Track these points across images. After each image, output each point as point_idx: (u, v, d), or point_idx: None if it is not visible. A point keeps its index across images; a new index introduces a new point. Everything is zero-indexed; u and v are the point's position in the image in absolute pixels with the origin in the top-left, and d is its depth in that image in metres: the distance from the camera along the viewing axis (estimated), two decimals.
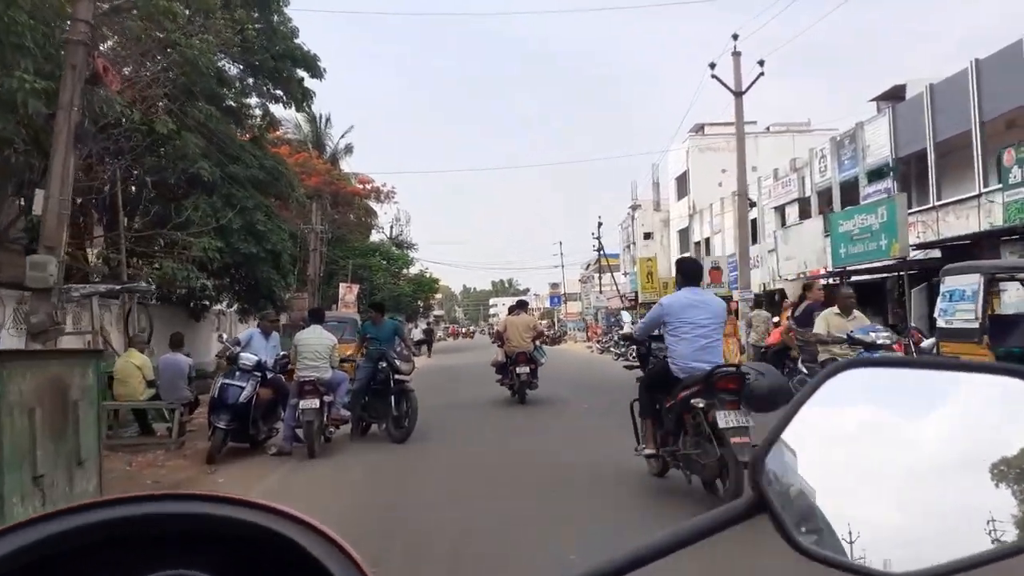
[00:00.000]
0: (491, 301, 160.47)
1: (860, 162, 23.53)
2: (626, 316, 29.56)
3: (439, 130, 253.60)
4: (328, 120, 48.12)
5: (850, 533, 0.76)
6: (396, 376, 9.15)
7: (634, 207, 52.07)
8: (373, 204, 47.10)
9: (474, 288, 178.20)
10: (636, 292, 46.57)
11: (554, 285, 78.43)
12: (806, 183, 27.75)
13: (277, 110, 23.56)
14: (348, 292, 35.32)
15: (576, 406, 13.33)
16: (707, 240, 39.98)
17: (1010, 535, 0.73)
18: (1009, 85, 17.15)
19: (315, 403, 8.36)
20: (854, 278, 17.16)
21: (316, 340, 8.95)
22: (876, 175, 23.01)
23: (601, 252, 54.15)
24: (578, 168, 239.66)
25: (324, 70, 21.16)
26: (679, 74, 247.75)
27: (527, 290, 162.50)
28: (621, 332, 28.37)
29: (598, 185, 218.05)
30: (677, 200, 45.90)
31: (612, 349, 28.36)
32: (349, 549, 0.71)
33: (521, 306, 15.33)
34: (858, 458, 0.80)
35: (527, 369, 12.79)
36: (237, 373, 8.67)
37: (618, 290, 53.57)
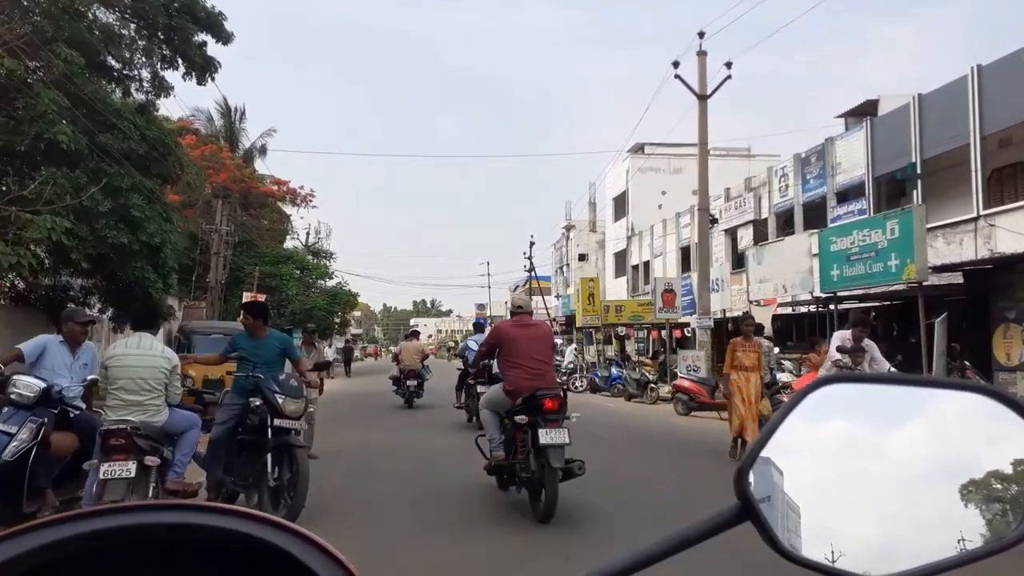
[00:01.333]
0: (412, 321, 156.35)
1: (829, 180, 21.52)
2: (571, 350, 26.65)
3: (366, 145, 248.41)
4: (243, 115, 43.94)
5: (832, 538, 0.80)
6: (277, 422, 5.89)
7: (568, 227, 49.72)
8: (289, 209, 43.15)
9: (395, 307, 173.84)
10: (570, 315, 44.01)
11: (480, 306, 75.37)
12: (763, 203, 25.70)
13: (189, 98, 19.75)
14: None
15: None
16: (646, 263, 37.81)
17: (977, 540, 0.78)
18: (1011, 97, 15.26)
19: (128, 468, 4.94)
20: (845, 305, 14.79)
21: (140, 360, 5.49)
22: (845, 195, 21.03)
23: (532, 273, 51.52)
24: (509, 187, 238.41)
25: (231, 34, 17.67)
26: (616, 102, 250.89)
27: (449, 311, 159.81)
28: (564, 364, 25.60)
29: (530, 205, 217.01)
30: (614, 221, 43.73)
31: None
32: (347, 562, 0.71)
33: (414, 335, 20.73)
34: (838, 468, 0.84)
35: (415, 382, 17.02)
36: (4, 409, 5.24)
37: (548, 313, 51.00)
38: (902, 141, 18.23)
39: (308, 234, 42.92)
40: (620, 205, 42.37)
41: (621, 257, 41.47)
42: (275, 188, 40.42)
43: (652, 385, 19.66)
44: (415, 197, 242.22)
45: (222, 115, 43.16)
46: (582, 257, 45.96)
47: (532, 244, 52.09)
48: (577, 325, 32.89)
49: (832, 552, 0.79)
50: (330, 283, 39.34)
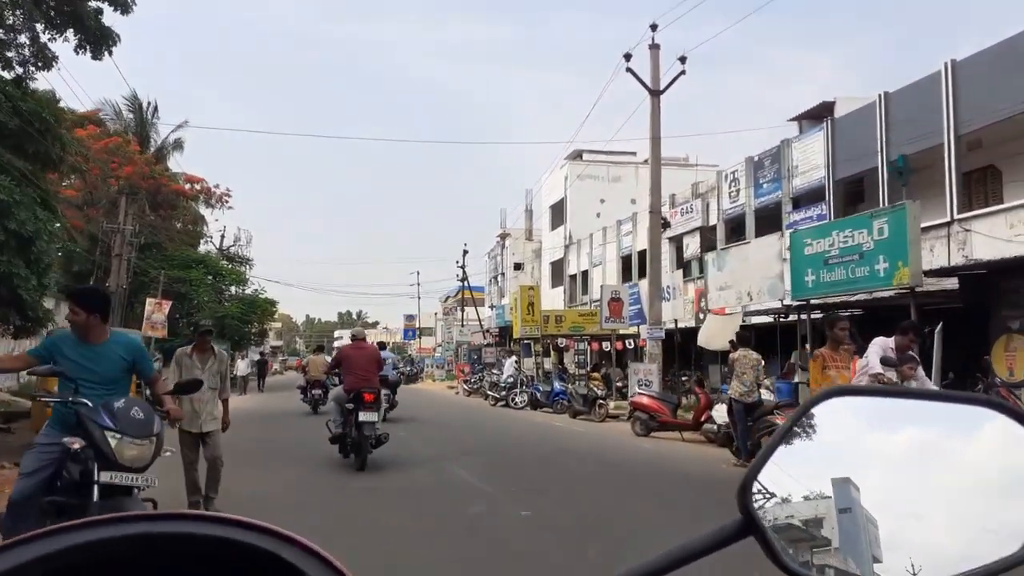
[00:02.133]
0: (336, 333, 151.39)
1: (784, 184, 20.39)
2: (510, 363, 24.68)
3: (289, 153, 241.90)
4: (155, 110, 40.61)
5: (839, 552, 0.80)
6: (105, 476, 3.76)
7: (503, 236, 48.02)
8: (204, 210, 40.04)
9: (319, 319, 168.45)
10: (505, 326, 42.23)
11: (409, 317, 72.83)
12: (711, 209, 24.51)
13: (94, 92, 17.16)
14: (156, 309, 28.36)
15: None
16: (584, 273, 36.39)
17: (986, 556, 0.77)
18: (986, 96, 14.26)
19: None
20: (816, 314, 13.39)
21: None
22: (800, 200, 19.92)
23: (465, 283, 49.59)
24: (438, 196, 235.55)
25: (132, 2, 15.24)
26: (546, 119, 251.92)
27: (376, 323, 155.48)
28: (504, 377, 23.66)
29: (461, 214, 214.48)
30: (551, 230, 42.25)
31: (491, 393, 23.45)
32: (340, 566, 0.72)
33: (319, 349, 24.31)
34: (844, 479, 0.83)
35: (320, 391, 18.51)
36: None
37: (481, 324, 49.11)
38: (866, 142, 17.16)
39: (223, 237, 39.89)
40: (558, 213, 40.92)
41: (558, 266, 39.99)
42: (188, 186, 37.31)
43: (601, 401, 17.95)
44: (342, 204, 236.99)
45: (131, 110, 39.76)
46: (518, 266, 44.30)
47: (465, 253, 50.27)
48: (514, 336, 31.08)
49: (836, 566, 0.80)
50: (246, 291, 36.43)
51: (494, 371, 28.53)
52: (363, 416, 9.09)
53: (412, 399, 28.22)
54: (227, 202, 38.72)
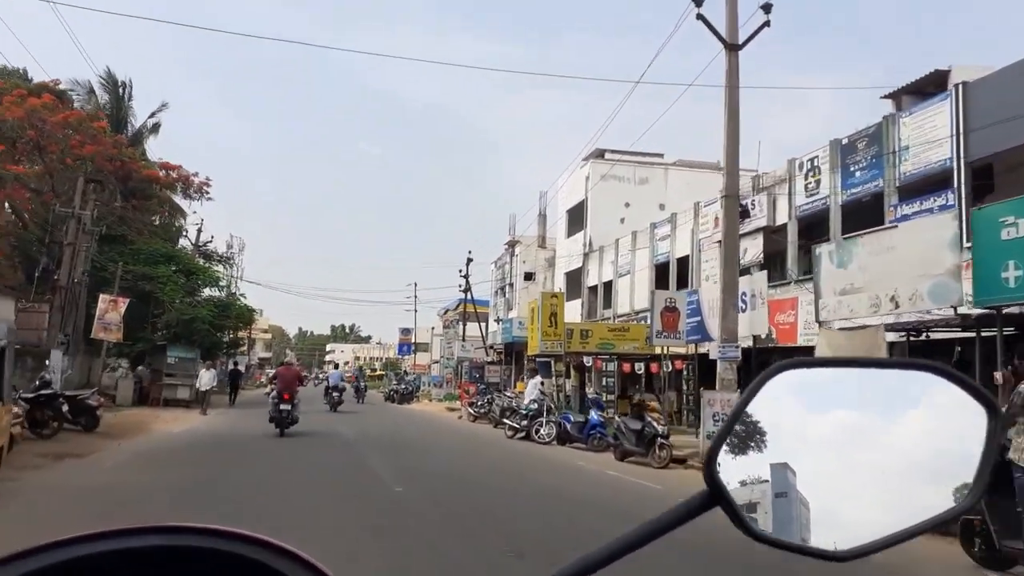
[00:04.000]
0: (328, 347, 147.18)
1: (888, 170, 16.24)
2: (534, 384, 19.94)
3: (283, 163, 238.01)
4: (131, 92, 36.39)
5: (798, 517, 0.85)
6: None
7: (512, 243, 43.82)
8: (180, 201, 35.80)
9: (311, 332, 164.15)
10: (513, 342, 37.97)
11: (405, 331, 68.44)
12: (778, 207, 20.35)
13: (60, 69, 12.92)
14: (111, 308, 24.04)
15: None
16: (607, 284, 32.17)
17: (929, 511, 0.84)
18: None
19: None
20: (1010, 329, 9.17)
21: None
22: (915, 188, 15.78)
23: (468, 294, 45.33)
24: (437, 206, 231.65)
25: None
26: (549, 143, 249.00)
27: (368, 337, 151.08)
28: (525, 402, 19.12)
29: (461, 224, 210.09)
30: (568, 236, 38.08)
31: (508, 422, 18.96)
32: (323, 568, 0.73)
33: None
34: (798, 449, 0.88)
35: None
36: None
37: (484, 340, 44.78)
38: (1017, 109, 13.01)
39: (200, 231, 35.60)
40: (576, 217, 36.77)
41: (575, 277, 35.77)
42: (163, 174, 33.04)
43: (662, 440, 13.60)
44: (337, 213, 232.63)
45: (106, 90, 35.55)
46: (529, 276, 40.05)
47: (469, 261, 46.07)
48: (529, 352, 26.72)
49: (801, 531, 0.84)
50: (221, 294, 32.08)
51: (506, 393, 24.20)
52: (282, 406, 16.35)
53: (405, 423, 23.87)
54: (206, 192, 34.52)
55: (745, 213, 18.46)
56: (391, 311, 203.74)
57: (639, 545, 0.80)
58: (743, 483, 0.85)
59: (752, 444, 0.87)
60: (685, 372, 23.53)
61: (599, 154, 36.41)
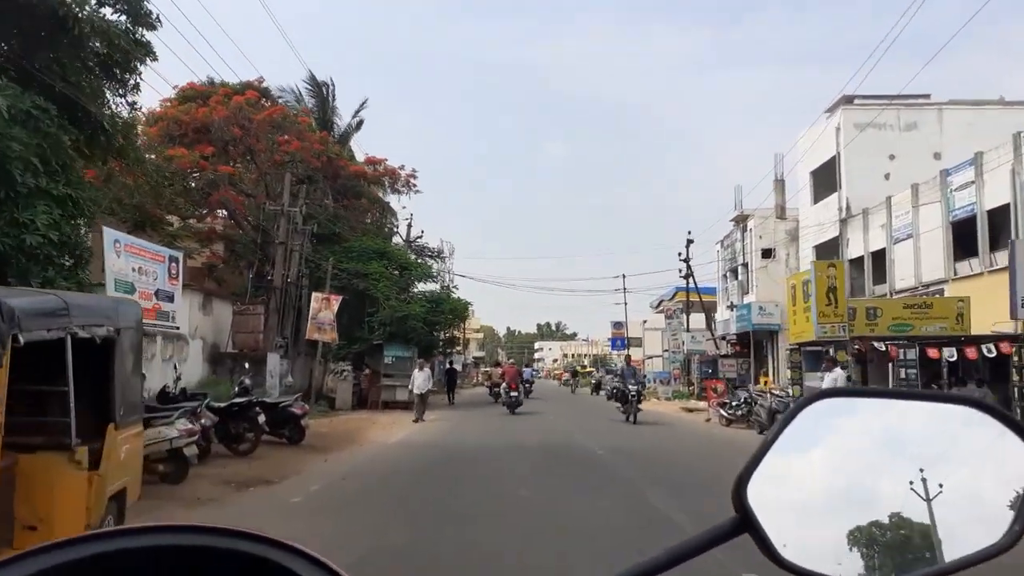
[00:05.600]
0: (536, 345, 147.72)
1: None
2: (832, 380, 14.67)
3: (470, 167, 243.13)
4: (333, 92, 35.66)
5: (829, 550, 0.82)
6: None
7: (742, 218, 38.49)
8: (388, 196, 34.61)
9: (519, 331, 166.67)
10: (753, 330, 32.97)
11: (617, 325, 64.65)
12: None
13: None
14: (324, 307, 22.45)
15: None
16: (878, 253, 26.25)
17: (971, 547, 0.80)
18: None
19: None
20: None
21: None
22: None
23: (690, 281, 40.70)
24: (637, 194, 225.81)
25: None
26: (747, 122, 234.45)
27: (575, 334, 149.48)
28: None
29: (668, 213, 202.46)
30: (814, 203, 32.29)
31: None
32: (338, 569, 0.72)
33: (497, 364, 39.39)
34: (833, 479, 0.86)
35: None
36: None
37: (713, 331, 39.88)
38: None
39: (410, 226, 34.13)
40: (825, 179, 30.93)
41: (829, 249, 29.98)
42: (368, 169, 31.84)
43: None
44: (533, 211, 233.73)
45: (312, 94, 35.10)
46: (767, 253, 34.64)
47: (689, 243, 41.43)
48: (793, 340, 21.80)
49: (829, 563, 0.81)
50: (430, 286, 30.13)
51: (775, 391, 19.54)
52: (512, 393, 24.08)
53: (647, 430, 19.76)
54: (414, 185, 32.99)
55: None
56: (597, 308, 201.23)
57: (665, 568, 0.78)
58: (774, 510, 0.82)
59: (785, 471, 0.84)
60: (1016, 357, 17.64)
61: (847, 100, 30.30)
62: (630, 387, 22.01)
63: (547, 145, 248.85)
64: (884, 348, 18.81)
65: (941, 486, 0.82)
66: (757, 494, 0.82)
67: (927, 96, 31.73)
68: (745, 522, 0.80)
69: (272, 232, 25.11)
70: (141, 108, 13.25)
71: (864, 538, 0.82)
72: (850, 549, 0.81)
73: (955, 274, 21.57)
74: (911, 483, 0.83)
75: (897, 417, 0.90)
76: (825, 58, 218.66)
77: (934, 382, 19.11)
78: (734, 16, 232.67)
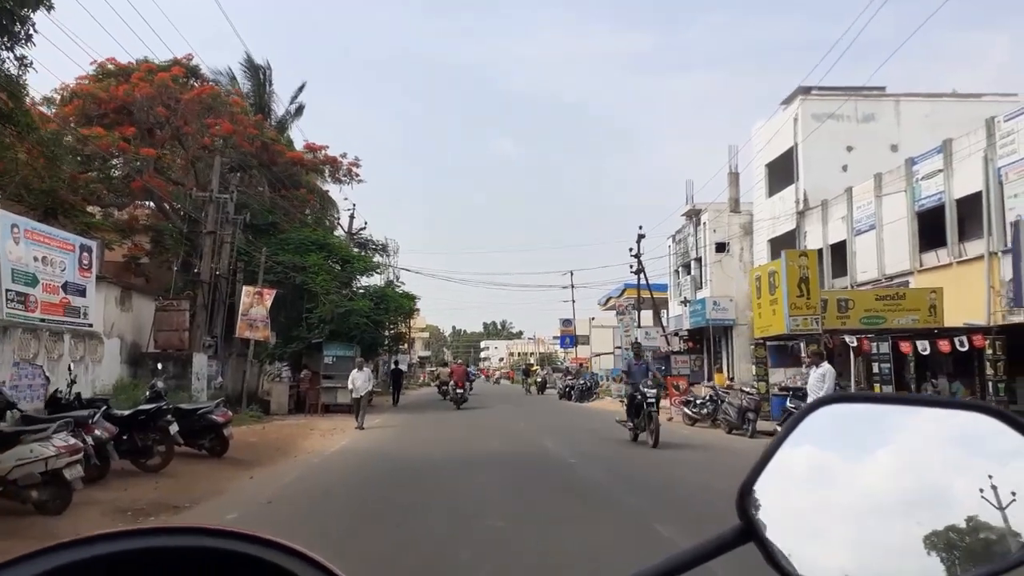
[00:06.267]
0: (482, 344, 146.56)
1: None
2: (820, 377, 13.03)
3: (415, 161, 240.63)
4: (270, 76, 33.49)
5: (834, 558, 0.79)
6: None
7: (694, 213, 37.71)
8: (330, 186, 32.69)
9: (464, 330, 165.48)
10: (706, 326, 32.17)
11: (566, 322, 63.60)
12: None
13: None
14: (256, 302, 20.56)
15: None
16: (837, 246, 25.58)
17: (982, 559, 0.77)
18: None
19: None
20: None
21: None
22: None
23: (641, 277, 39.76)
24: (584, 197, 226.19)
25: None
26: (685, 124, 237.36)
27: (520, 332, 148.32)
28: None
29: (611, 213, 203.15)
30: (768, 196, 31.62)
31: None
32: (336, 570, 0.73)
33: (444, 363, 44.37)
34: (838, 487, 0.83)
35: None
36: None
37: (663, 327, 39.08)
38: None
39: (352, 217, 32.25)
40: (781, 171, 30.25)
41: (784, 242, 29.25)
42: (306, 155, 29.86)
43: None
44: (478, 212, 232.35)
45: (248, 78, 32.83)
46: (721, 247, 33.86)
47: (641, 238, 40.45)
48: (758, 334, 20.83)
49: (835, 573, 0.79)
50: (375, 281, 28.33)
51: (745, 388, 18.42)
52: (458, 390, 26.14)
53: (605, 429, 18.15)
54: (357, 175, 31.11)
55: None
56: (543, 306, 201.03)
57: (673, 575, 0.77)
58: (778, 519, 0.80)
59: (790, 479, 0.83)
60: (991, 350, 16.96)
61: (804, 91, 29.69)
62: (645, 391, 14.43)
63: (494, 143, 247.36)
64: (855, 342, 17.94)
65: (952, 495, 0.80)
66: (760, 502, 0.81)
67: (882, 88, 31.39)
68: (749, 531, 0.79)
69: (201, 222, 23.03)
70: (32, 64, 11.24)
71: (872, 548, 0.80)
72: (857, 559, 0.79)
73: (921, 265, 20.93)
74: (920, 492, 0.82)
75: (906, 423, 0.87)
76: (768, 59, 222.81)
77: (905, 377, 18.37)
78: (679, 18, 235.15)
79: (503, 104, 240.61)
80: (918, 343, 17.56)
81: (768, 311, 19.40)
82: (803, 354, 15.34)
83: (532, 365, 74.52)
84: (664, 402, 24.26)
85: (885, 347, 17.79)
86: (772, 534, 0.79)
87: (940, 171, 19.99)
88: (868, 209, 23.68)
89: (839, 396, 0.90)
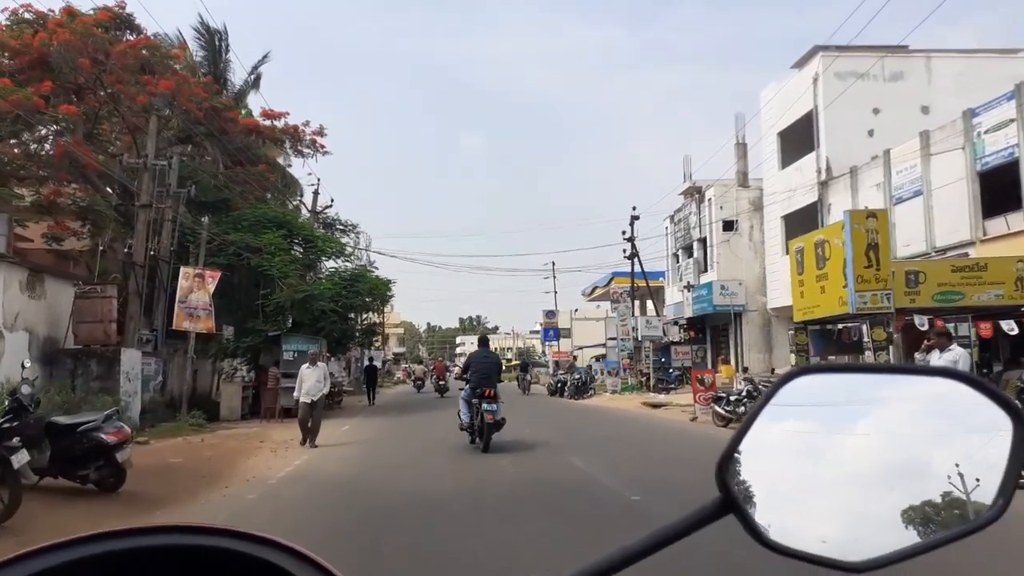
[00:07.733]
0: (458, 339, 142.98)
1: None
2: (952, 355, 10.20)
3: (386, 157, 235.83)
4: (226, 43, 29.40)
5: (812, 528, 0.81)
6: None
7: (693, 190, 34.58)
8: (290, 160, 28.95)
9: (439, 326, 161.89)
10: (708, 314, 29.13)
11: (549, 314, 60.33)
12: None
13: None
14: (197, 286, 16.92)
15: None
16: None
17: (952, 522, 0.79)
18: None
19: None
20: None
21: None
22: None
23: (636, 262, 36.65)
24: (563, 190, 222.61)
25: None
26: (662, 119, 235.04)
27: (496, 328, 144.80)
28: None
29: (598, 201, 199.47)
30: (781, 168, 28.55)
31: None
32: (335, 571, 0.72)
33: (419, 361, 64.09)
34: (815, 457, 0.85)
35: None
36: None
37: (659, 316, 36.07)
38: None
39: (316, 193, 28.58)
40: (797, 139, 27.16)
41: (803, 217, 26.16)
42: (263, 123, 26.09)
43: None
44: (453, 204, 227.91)
45: (202, 45, 28.81)
46: (728, 225, 30.72)
47: (635, 219, 37.29)
48: (797, 318, 17.63)
49: (813, 541, 0.80)
50: (342, 264, 24.62)
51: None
52: (441, 383, 31.98)
53: (627, 434, 14.62)
54: (321, 147, 27.42)
55: None
56: (520, 301, 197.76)
57: (648, 553, 0.78)
58: (757, 490, 0.82)
59: (767, 450, 0.84)
60: None
61: (823, 50, 26.60)
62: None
63: (465, 136, 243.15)
64: (925, 324, 14.77)
65: (923, 460, 0.81)
66: (740, 474, 0.82)
67: (905, 46, 28.43)
68: (729, 503, 0.80)
69: (135, 192, 19.30)
70: None
71: (848, 514, 0.82)
72: (834, 527, 0.81)
73: (985, 234, 17.91)
74: (892, 457, 0.83)
75: (877, 391, 0.89)
76: (742, 56, 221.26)
77: (984, 365, 15.33)
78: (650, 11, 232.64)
79: (471, 95, 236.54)
80: (1003, 324, 14.52)
81: (814, 289, 16.24)
82: (927, 335, 11.64)
83: (507, 360, 71.24)
84: (685, 398, 21.11)
85: (964, 328, 14.69)
86: (751, 506, 0.80)
87: (1012, 121, 16.93)
88: (912, 173, 20.63)
89: (811, 367, 0.93)
